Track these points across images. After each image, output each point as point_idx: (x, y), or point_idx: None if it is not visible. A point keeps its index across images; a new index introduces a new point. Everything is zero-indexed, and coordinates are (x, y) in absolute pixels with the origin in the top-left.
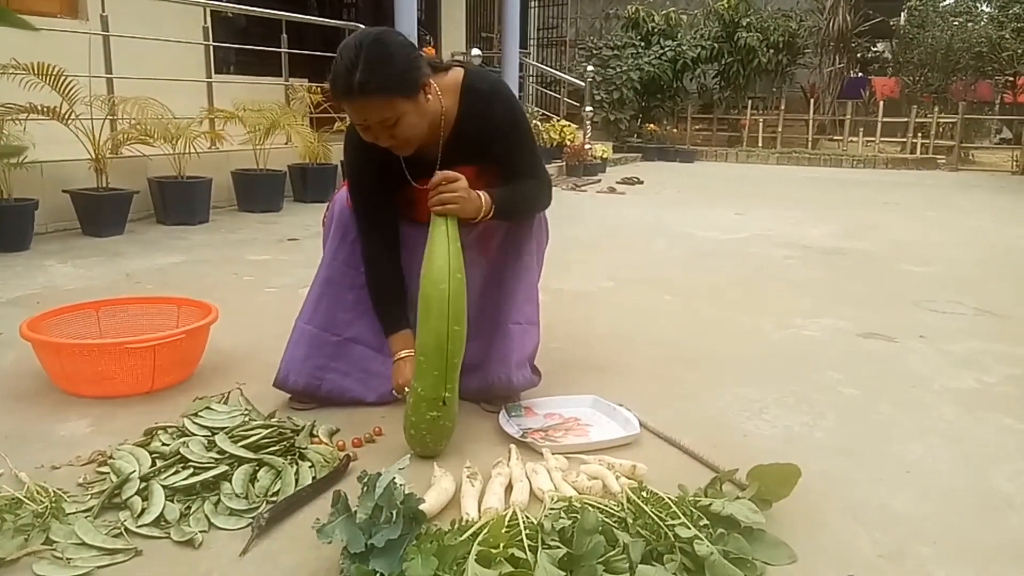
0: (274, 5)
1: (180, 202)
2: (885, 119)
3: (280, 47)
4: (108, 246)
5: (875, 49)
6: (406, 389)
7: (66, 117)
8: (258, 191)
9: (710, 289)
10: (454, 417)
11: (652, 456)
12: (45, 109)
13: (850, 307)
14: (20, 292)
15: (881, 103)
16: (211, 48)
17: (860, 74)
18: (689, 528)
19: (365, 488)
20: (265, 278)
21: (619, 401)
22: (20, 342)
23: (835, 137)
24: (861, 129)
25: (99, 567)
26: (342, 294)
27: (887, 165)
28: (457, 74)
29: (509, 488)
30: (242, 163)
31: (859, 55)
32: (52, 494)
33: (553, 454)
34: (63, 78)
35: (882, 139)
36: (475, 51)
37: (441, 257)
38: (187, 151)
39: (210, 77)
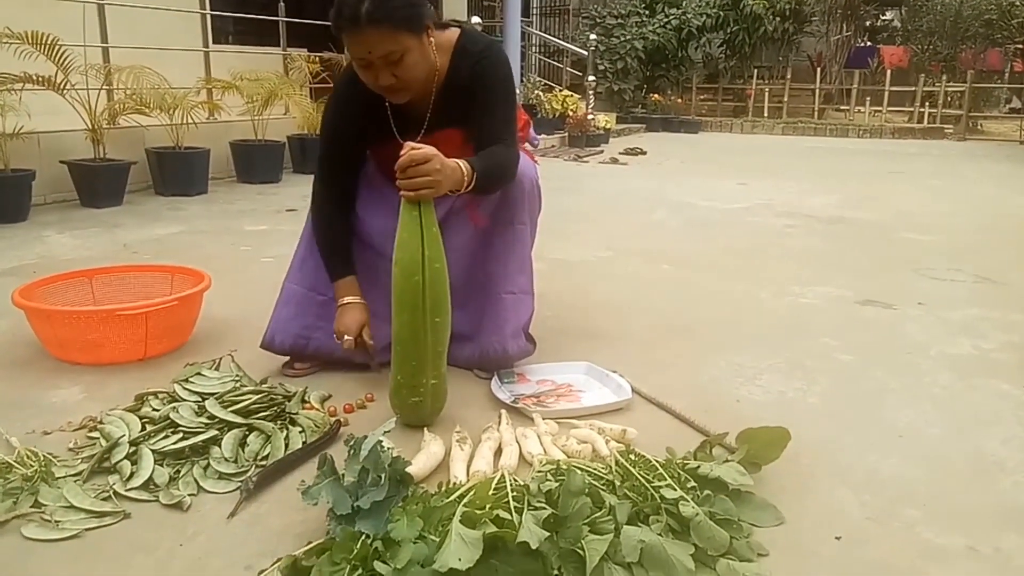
0: None
1: (178, 173)
2: (892, 88)
3: (278, 16)
4: (106, 217)
5: (884, 18)
6: (345, 336)
7: (61, 87)
8: (257, 162)
9: (708, 259)
10: (443, 397)
11: (643, 421)
12: (40, 79)
13: (849, 275)
14: (16, 262)
15: (889, 72)
16: (208, 17)
17: (868, 43)
18: (675, 490)
19: (352, 451)
20: (262, 248)
21: (613, 368)
22: (14, 311)
23: (841, 107)
24: (868, 99)
25: (87, 529)
26: None
27: (894, 135)
28: (453, 34)
29: (499, 452)
30: (241, 134)
31: (867, 23)
32: (42, 458)
33: (544, 419)
34: (57, 47)
35: (889, 109)
36: (475, 19)
37: (414, 246)
38: (185, 122)
39: (207, 47)
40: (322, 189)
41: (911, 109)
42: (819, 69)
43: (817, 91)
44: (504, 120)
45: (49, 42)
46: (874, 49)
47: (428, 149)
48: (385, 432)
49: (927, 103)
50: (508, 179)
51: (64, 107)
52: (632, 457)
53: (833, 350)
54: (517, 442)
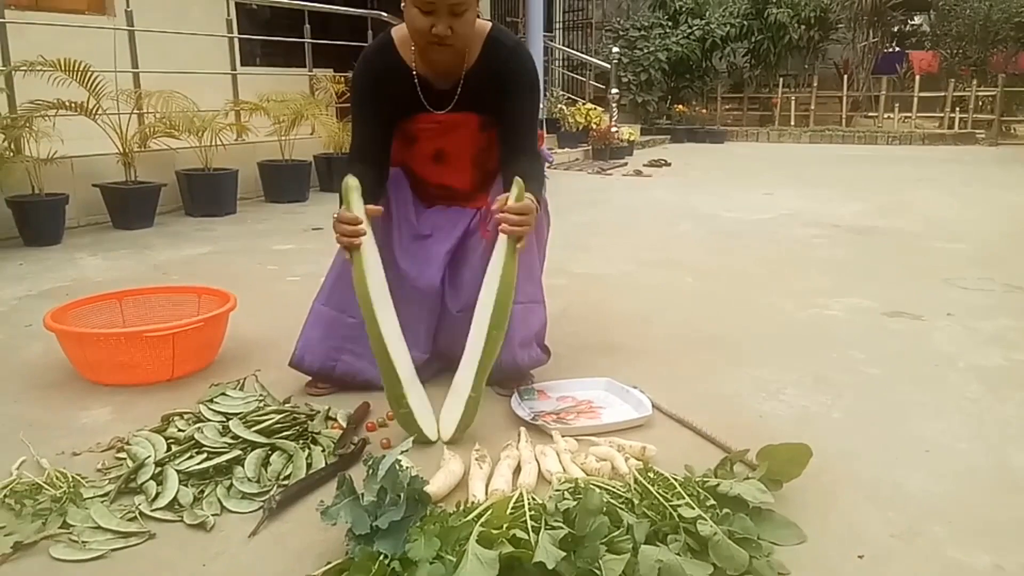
0: None
1: (207, 194)
2: (922, 94)
3: (304, 38)
4: (137, 239)
5: (912, 22)
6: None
7: (94, 112)
8: (284, 181)
9: (733, 270)
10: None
11: (664, 437)
12: (73, 105)
13: (877, 286)
14: (50, 285)
15: (918, 78)
16: (235, 40)
17: (896, 48)
18: (693, 508)
19: (370, 471)
20: (288, 267)
21: (633, 383)
22: (47, 333)
23: (870, 114)
24: (897, 105)
25: (113, 550)
26: None
27: (924, 141)
28: (485, 25)
29: (518, 470)
30: (268, 154)
31: (895, 29)
32: (70, 479)
33: (564, 436)
34: (90, 74)
35: (919, 115)
36: None
37: (509, 280)
38: (213, 143)
39: (235, 69)
40: (353, 157)
41: (941, 115)
42: (846, 76)
43: (844, 98)
44: (531, 126)
45: (81, 69)
46: (902, 54)
47: (527, 203)
48: (402, 452)
49: (957, 108)
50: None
51: (96, 131)
52: (651, 475)
53: (859, 363)
54: (536, 460)
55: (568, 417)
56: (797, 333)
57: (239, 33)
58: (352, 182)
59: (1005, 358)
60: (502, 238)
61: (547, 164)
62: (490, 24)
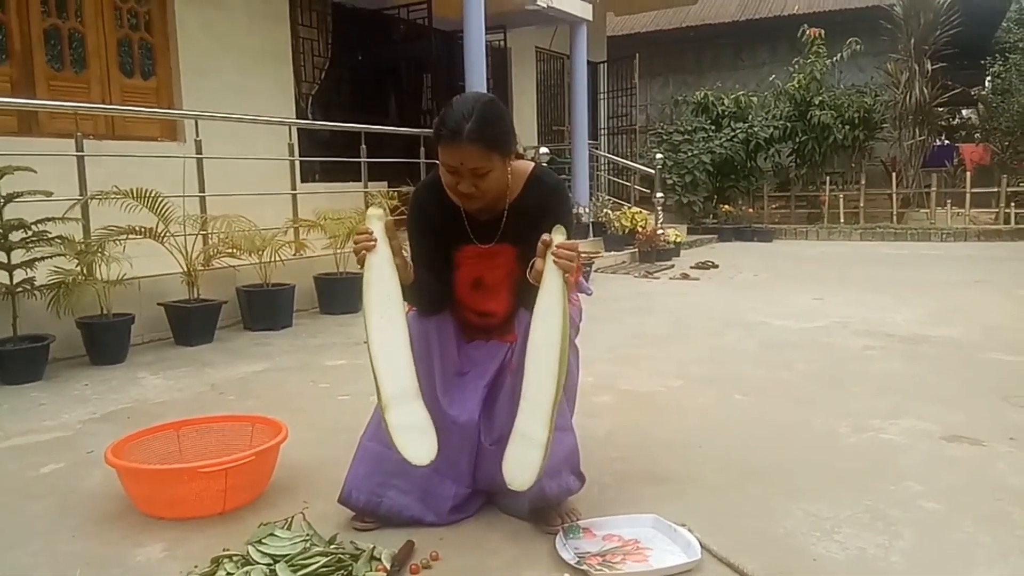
0: (357, 117)
1: (265, 309)
2: (974, 190)
3: (360, 156)
4: (197, 355)
5: (961, 116)
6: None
7: (161, 236)
8: (338, 294)
9: (783, 387)
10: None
11: None
12: (143, 230)
13: (934, 405)
14: (113, 407)
15: (969, 173)
16: (296, 163)
17: (946, 141)
18: None
19: None
20: (339, 384)
21: (681, 519)
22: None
23: (922, 209)
24: (949, 200)
25: None
26: None
27: (979, 237)
28: (528, 165)
29: None
30: (323, 268)
31: (941, 123)
32: None
33: None
34: (159, 200)
35: (973, 209)
36: (543, 149)
37: (564, 313)
38: (273, 260)
39: (295, 189)
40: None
41: (996, 209)
42: (894, 173)
43: (894, 195)
44: None
45: (152, 196)
46: (952, 148)
47: (574, 242)
48: None
49: (1013, 203)
50: None
51: (162, 251)
52: None
53: (917, 496)
54: None
55: (614, 560)
56: (852, 461)
57: (300, 155)
58: (373, 211)
59: None
60: (549, 277)
61: (587, 295)
62: (532, 164)
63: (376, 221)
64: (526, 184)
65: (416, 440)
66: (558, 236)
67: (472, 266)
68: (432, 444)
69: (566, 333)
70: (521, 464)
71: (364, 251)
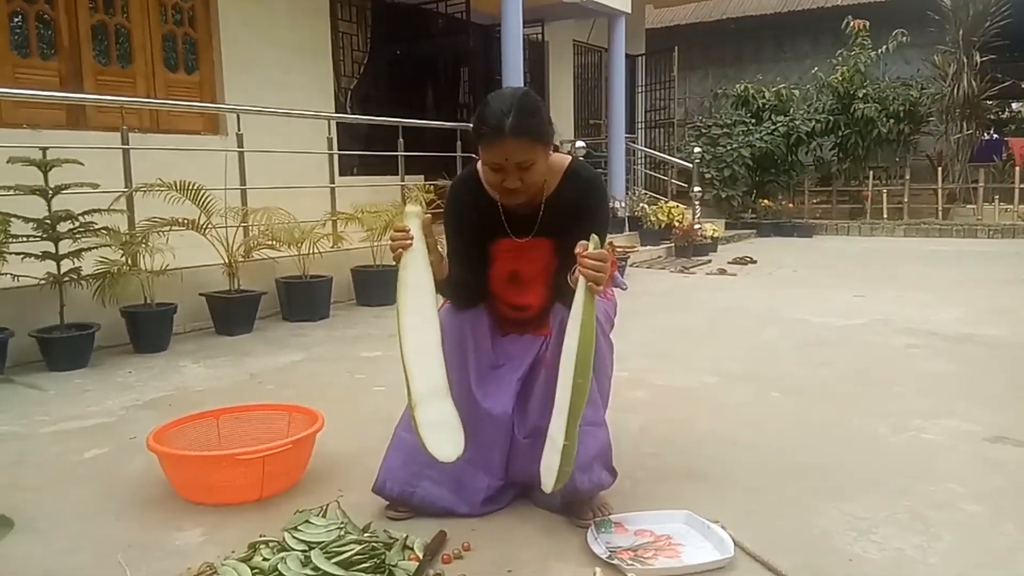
0: (395, 111)
1: (303, 300)
2: (1023, 185)
3: (398, 150)
4: (237, 345)
5: (1011, 110)
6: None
7: (204, 228)
8: (374, 286)
9: (821, 385)
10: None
11: None
12: (186, 221)
13: (978, 406)
14: (155, 394)
15: (1018, 169)
16: (335, 156)
17: (995, 135)
18: None
19: None
20: (375, 375)
21: (714, 517)
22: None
23: (968, 205)
24: (996, 196)
25: None
26: None
27: None
28: (565, 158)
29: None
30: (360, 260)
31: (990, 117)
32: None
33: None
34: (202, 193)
35: (1022, 205)
36: (579, 143)
37: (591, 321)
38: (311, 252)
39: (333, 182)
40: (453, 263)
41: None
42: (940, 168)
43: (940, 190)
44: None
45: (194, 188)
46: (1001, 142)
47: (604, 252)
48: None
49: None
50: None
51: (204, 242)
52: None
53: (959, 498)
54: None
55: (646, 555)
56: (891, 461)
57: (339, 149)
58: (411, 208)
59: None
60: (579, 288)
61: (622, 290)
62: (569, 158)
63: (414, 218)
64: (563, 178)
65: (443, 436)
66: (590, 246)
67: (508, 260)
68: (459, 440)
69: (589, 344)
70: (546, 467)
71: (400, 249)
